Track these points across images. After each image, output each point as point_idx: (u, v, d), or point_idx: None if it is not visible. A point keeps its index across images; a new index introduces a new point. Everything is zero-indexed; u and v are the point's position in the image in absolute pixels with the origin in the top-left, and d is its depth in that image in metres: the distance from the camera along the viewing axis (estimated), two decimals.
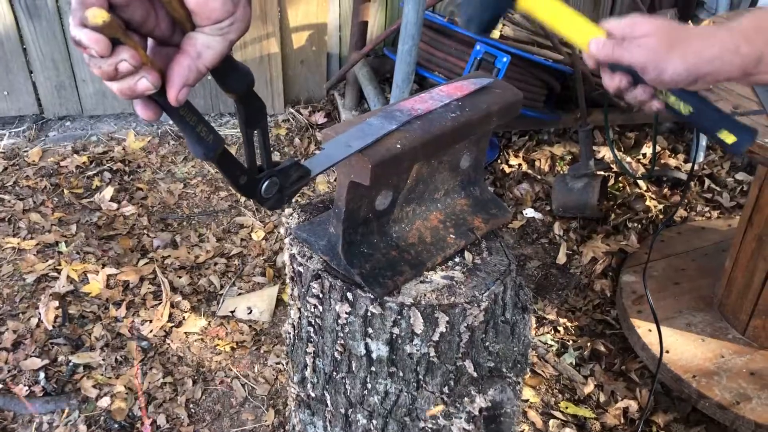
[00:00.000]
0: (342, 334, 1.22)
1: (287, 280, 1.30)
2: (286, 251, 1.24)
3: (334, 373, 1.30)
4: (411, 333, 1.17)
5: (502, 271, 1.23)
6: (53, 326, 2.20)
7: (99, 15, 0.60)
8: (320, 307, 1.22)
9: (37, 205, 2.68)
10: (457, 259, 1.26)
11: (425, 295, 1.15)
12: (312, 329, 1.28)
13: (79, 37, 0.60)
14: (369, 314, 1.16)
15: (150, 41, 0.70)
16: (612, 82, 0.99)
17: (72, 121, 3.22)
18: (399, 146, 1.05)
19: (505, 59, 2.38)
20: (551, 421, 2.02)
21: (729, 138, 0.99)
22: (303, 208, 1.32)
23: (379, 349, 1.20)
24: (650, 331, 2.15)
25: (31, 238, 2.51)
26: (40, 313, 2.21)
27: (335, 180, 2.34)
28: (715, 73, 0.92)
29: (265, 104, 0.83)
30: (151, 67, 0.66)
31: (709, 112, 1.00)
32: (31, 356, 2.10)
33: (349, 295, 1.16)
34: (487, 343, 1.25)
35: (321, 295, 1.20)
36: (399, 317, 1.16)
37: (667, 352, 2.07)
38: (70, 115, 3.22)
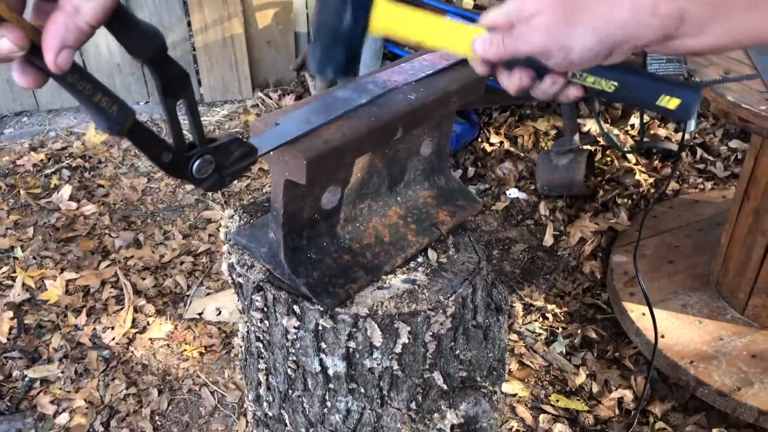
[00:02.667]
0: (293, 350, 1.08)
1: (231, 290, 1.16)
2: (224, 260, 1.10)
3: (290, 391, 1.17)
4: (369, 346, 1.04)
5: (471, 270, 1.10)
6: (7, 339, 2.06)
7: None
8: (266, 322, 1.08)
9: None
10: (420, 259, 1.12)
11: (382, 303, 1.02)
12: (261, 345, 1.14)
13: None
14: (320, 328, 1.03)
15: None
16: (512, 82, 0.80)
17: (29, 116, 3.05)
18: (340, 137, 0.91)
19: None
20: (541, 416, 1.90)
21: (671, 103, 0.82)
22: (245, 208, 1.17)
23: (336, 365, 1.07)
24: (644, 314, 2.03)
25: None
26: None
27: None
28: (631, 38, 0.73)
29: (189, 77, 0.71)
30: (16, 24, 0.56)
31: (638, 80, 0.83)
32: None
33: (296, 308, 1.02)
34: (458, 352, 1.12)
35: (265, 309, 1.06)
36: (354, 330, 1.02)
37: (662, 336, 1.95)
38: (26, 110, 3.05)
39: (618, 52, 0.73)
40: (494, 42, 0.77)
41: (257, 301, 1.06)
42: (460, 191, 1.22)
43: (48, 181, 2.67)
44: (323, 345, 1.05)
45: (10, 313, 2.11)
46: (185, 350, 2.06)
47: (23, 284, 2.21)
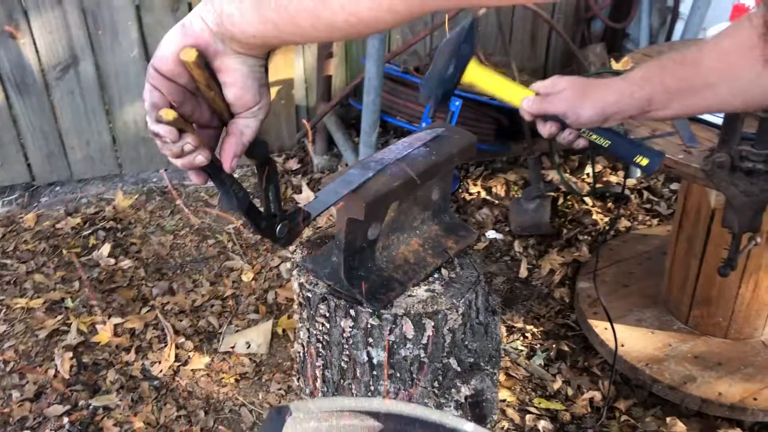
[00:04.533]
0: (347, 346, 1.47)
1: (295, 305, 1.55)
2: (294, 281, 1.49)
3: (342, 381, 1.54)
4: (404, 338, 1.43)
5: (473, 281, 1.50)
6: (70, 375, 2.39)
7: (170, 113, 0.83)
8: (327, 325, 1.46)
9: (39, 267, 2.87)
10: (436, 275, 1.52)
11: (413, 305, 1.41)
12: (320, 345, 1.52)
13: (158, 130, 0.84)
14: (369, 326, 1.41)
15: (194, 126, 0.94)
16: (545, 129, 1.28)
17: (62, 185, 3.42)
18: (386, 186, 1.32)
19: (457, 103, 2.70)
20: (527, 416, 2.28)
21: (643, 161, 1.30)
22: (304, 244, 1.58)
23: (379, 355, 1.45)
24: (606, 329, 2.42)
25: (38, 297, 2.71)
26: (56, 365, 2.41)
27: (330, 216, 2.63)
28: (619, 112, 1.22)
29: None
30: (204, 147, 0.90)
31: (624, 142, 1.31)
32: (53, 404, 2.28)
33: (352, 312, 1.41)
34: (466, 342, 1.51)
35: (328, 314, 1.45)
36: (393, 326, 1.41)
37: (622, 345, 2.35)
38: (59, 180, 3.42)
39: (611, 119, 1.23)
40: (535, 102, 1.27)
41: (322, 309, 1.45)
42: (460, 225, 1.64)
43: (86, 241, 3.03)
44: (371, 339, 1.43)
45: (70, 354, 2.45)
46: (223, 378, 2.42)
47: (77, 329, 2.55)
